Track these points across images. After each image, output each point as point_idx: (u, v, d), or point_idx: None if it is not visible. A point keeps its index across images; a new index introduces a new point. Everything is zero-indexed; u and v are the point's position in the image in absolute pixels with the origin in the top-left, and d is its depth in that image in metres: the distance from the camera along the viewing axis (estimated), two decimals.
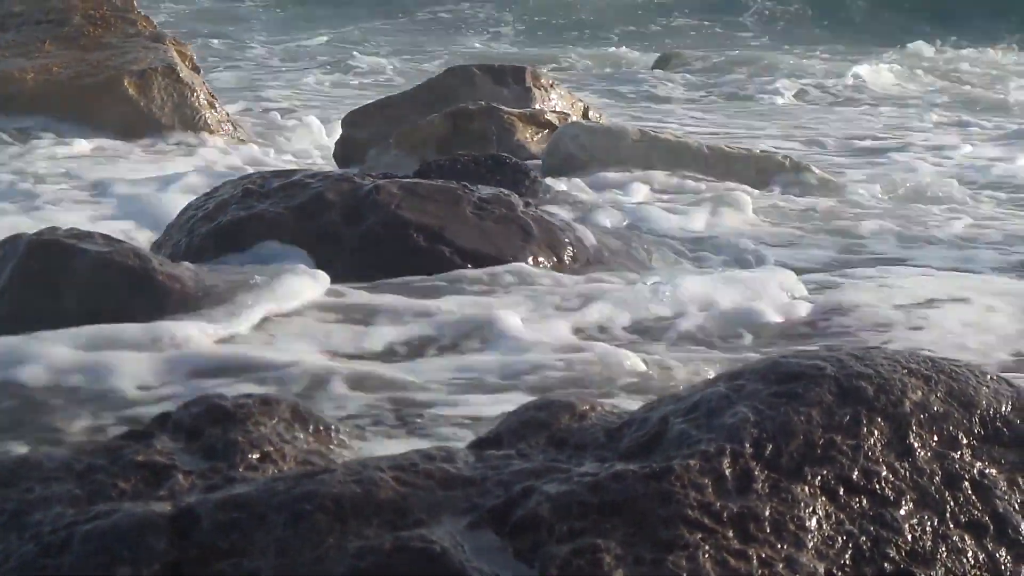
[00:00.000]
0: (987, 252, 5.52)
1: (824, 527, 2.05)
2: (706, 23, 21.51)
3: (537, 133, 7.80)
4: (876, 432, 2.19)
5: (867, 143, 9.35)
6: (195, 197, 4.99)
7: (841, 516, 2.07)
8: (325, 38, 20.53)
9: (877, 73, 13.83)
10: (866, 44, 18.21)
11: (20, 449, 2.76)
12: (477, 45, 20.11)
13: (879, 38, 19.41)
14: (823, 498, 2.08)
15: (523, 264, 4.48)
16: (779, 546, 1.99)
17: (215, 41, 18.64)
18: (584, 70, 15.80)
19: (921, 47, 17.08)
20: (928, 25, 20.31)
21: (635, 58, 17.32)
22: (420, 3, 23.56)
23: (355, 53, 17.14)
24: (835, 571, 2.01)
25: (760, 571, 1.95)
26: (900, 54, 15.63)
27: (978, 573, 2.09)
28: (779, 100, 12.34)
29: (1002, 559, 2.11)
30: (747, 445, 2.12)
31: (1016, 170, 8.01)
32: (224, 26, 21.36)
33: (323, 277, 4.12)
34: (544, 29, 21.28)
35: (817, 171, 7.44)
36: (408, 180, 4.84)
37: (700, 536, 1.97)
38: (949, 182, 7.49)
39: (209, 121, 8.36)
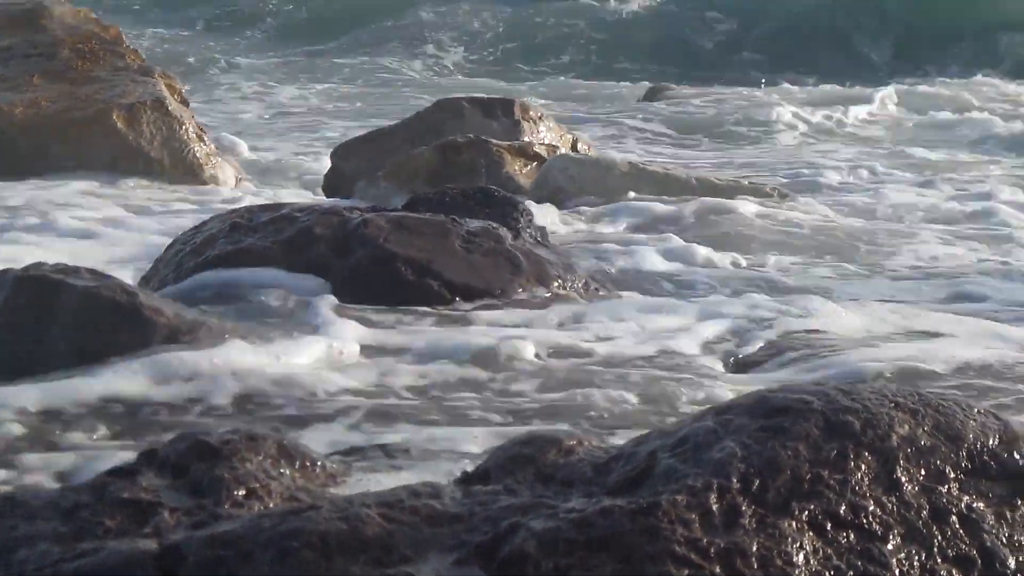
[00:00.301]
0: (931, 285, 5.54)
1: (811, 562, 2.04)
2: (694, 54, 21.55)
3: (526, 165, 7.81)
4: (863, 466, 2.19)
5: (850, 178, 9.35)
6: (183, 231, 4.98)
7: (828, 551, 2.07)
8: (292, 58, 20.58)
9: (864, 109, 13.84)
10: (854, 77, 18.27)
11: None
12: (460, 77, 20.11)
13: (867, 72, 19.48)
14: (810, 533, 2.08)
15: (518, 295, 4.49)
16: None
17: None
18: (572, 101, 15.84)
19: (903, 83, 17.18)
20: (915, 58, 20.39)
21: (623, 90, 17.37)
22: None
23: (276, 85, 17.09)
24: None
25: None
26: (887, 87, 15.71)
27: None
28: (769, 133, 12.38)
29: None
30: (734, 480, 2.12)
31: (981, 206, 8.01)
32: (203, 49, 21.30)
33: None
34: (527, 61, 21.28)
35: (802, 200, 7.47)
36: (396, 213, 4.84)
37: (687, 572, 1.97)
38: (916, 215, 7.52)
39: (198, 154, 8.36)
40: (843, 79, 17.99)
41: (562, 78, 19.44)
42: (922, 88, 16.30)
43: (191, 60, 19.57)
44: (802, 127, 12.82)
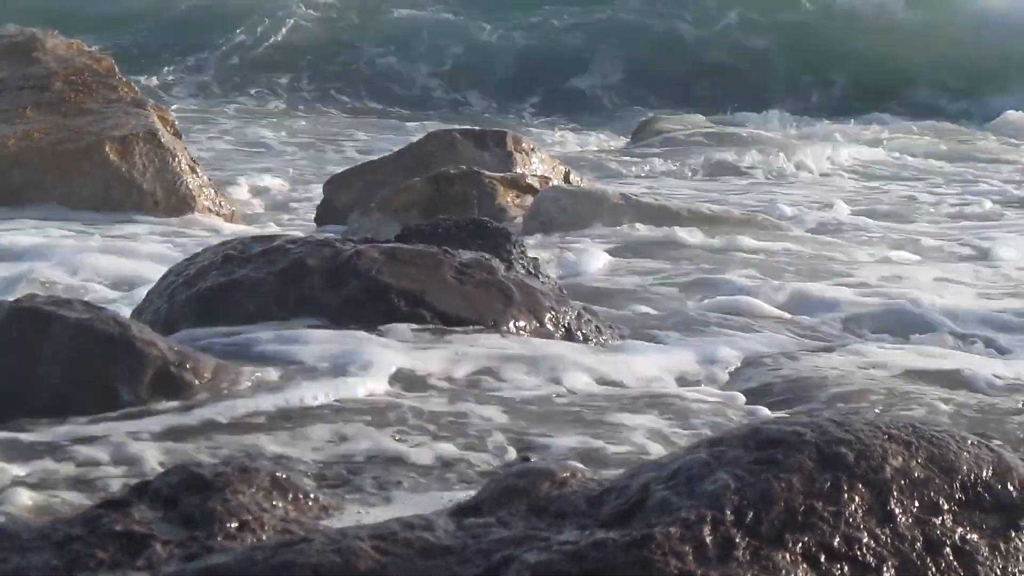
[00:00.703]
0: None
1: None
2: (686, 88, 21.49)
3: (519, 197, 7.83)
4: (857, 498, 2.18)
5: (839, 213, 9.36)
6: (176, 263, 4.98)
7: None
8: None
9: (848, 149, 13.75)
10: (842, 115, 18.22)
11: None
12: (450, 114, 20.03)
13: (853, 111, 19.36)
14: (804, 565, 2.08)
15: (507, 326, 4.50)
16: None
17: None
18: (561, 136, 15.89)
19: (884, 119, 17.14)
20: (894, 98, 20.29)
21: (614, 124, 17.42)
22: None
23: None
24: None
25: None
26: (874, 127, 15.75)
27: None
28: (760, 171, 12.36)
29: None
30: (728, 512, 2.11)
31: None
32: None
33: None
34: (516, 101, 21.11)
35: (795, 230, 7.49)
36: (389, 245, 4.84)
37: None
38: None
39: (191, 186, 8.36)
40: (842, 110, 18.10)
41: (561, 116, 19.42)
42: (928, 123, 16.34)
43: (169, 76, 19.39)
44: (796, 162, 12.78)
